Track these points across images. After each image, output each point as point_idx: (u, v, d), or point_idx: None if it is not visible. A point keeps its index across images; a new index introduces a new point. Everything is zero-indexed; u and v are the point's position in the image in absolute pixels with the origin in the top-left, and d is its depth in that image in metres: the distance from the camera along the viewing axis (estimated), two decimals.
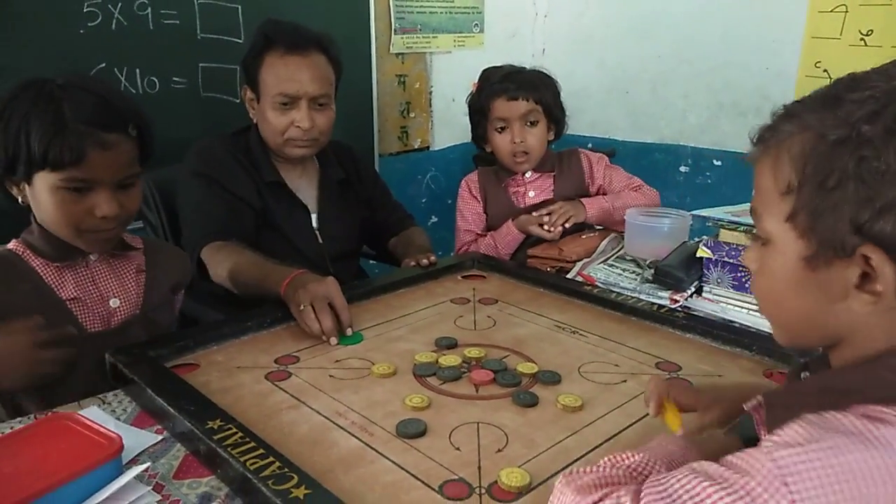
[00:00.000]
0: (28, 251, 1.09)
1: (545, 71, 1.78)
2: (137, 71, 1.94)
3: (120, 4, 1.87)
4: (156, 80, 1.99)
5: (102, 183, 1.04)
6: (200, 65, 2.08)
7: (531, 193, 1.80)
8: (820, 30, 2.39)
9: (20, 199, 1.07)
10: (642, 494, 0.54)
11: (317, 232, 1.62)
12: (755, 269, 0.63)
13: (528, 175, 1.79)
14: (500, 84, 1.71)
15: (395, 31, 2.55)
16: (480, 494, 0.78)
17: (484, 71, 1.82)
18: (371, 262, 1.98)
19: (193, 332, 1.17)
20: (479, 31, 2.86)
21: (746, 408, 0.67)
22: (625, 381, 1.04)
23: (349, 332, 1.17)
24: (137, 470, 0.78)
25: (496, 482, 0.79)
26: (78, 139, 0.99)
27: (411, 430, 0.89)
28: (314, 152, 1.60)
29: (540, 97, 1.71)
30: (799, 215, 0.55)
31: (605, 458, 0.66)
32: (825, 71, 2.39)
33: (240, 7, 2.13)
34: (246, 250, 1.39)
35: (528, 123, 1.71)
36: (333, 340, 1.14)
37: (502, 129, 1.73)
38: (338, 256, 1.63)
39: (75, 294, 1.11)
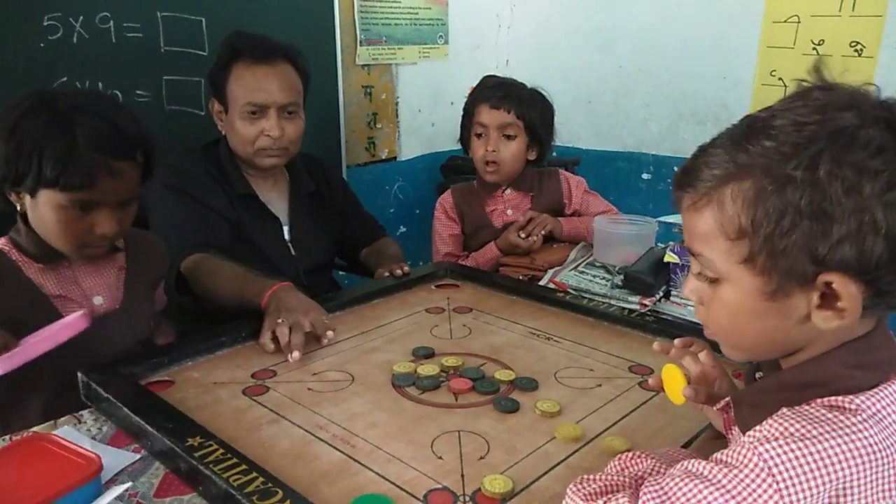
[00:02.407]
0: (14, 249, 1.11)
1: (543, 92, 1.79)
2: (100, 84, 1.91)
3: (81, 17, 1.84)
4: (119, 94, 1.96)
5: (107, 203, 1.07)
6: (164, 78, 2.06)
7: (509, 212, 1.81)
8: (774, 40, 2.47)
9: (18, 206, 1.08)
10: (641, 498, 0.57)
11: (289, 244, 1.62)
12: (699, 300, 0.66)
13: (507, 193, 1.81)
14: (488, 91, 1.74)
15: (360, 42, 2.56)
16: (465, 502, 0.78)
17: (484, 77, 1.85)
18: (341, 273, 1.97)
19: (167, 348, 1.16)
20: (444, 42, 2.88)
21: (716, 408, 0.71)
22: (600, 385, 1.06)
23: (325, 340, 1.16)
24: (118, 490, 0.77)
25: (480, 490, 0.80)
26: (90, 166, 1.02)
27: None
28: (284, 162, 1.59)
29: (523, 113, 1.72)
30: (757, 257, 0.58)
31: (614, 462, 0.69)
32: (780, 79, 2.48)
33: (204, 20, 2.10)
34: (226, 261, 1.39)
35: (505, 136, 1.73)
36: (296, 355, 1.10)
37: (480, 135, 1.75)
38: (311, 269, 1.63)
39: (60, 292, 1.12)
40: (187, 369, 1.11)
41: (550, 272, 1.57)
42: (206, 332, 1.21)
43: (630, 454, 0.70)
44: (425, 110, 2.89)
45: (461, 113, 1.84)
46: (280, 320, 1.15)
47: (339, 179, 1.84)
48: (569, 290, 1.45)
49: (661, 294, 1.40)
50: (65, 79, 1.83)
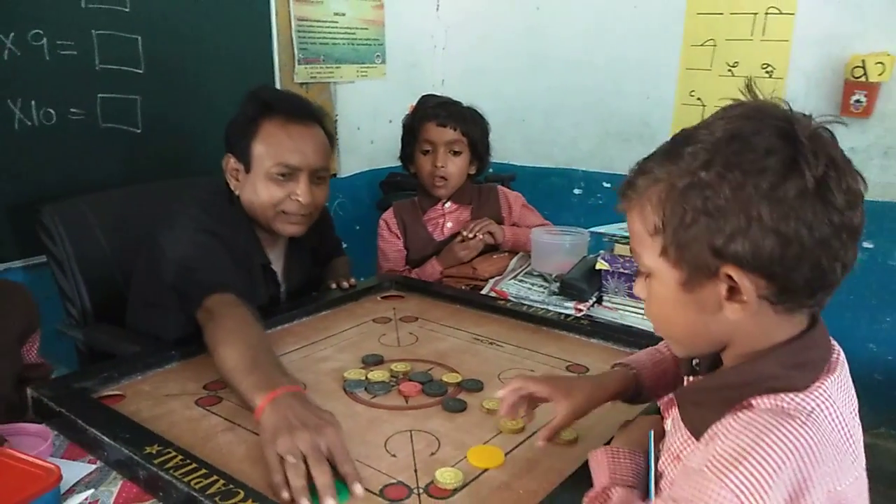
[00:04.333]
0: None
1: (479, 111, 1.88)
2: (33, 102, 1.88)
3: (12, 34, 1.81)
4: (52, 112, 1.93)
5: None
6: (99, 95, 2.04)
7: (449, 224, 1.88)
8: (693, 62, 2.64)
9: None
10: None
11: (283, 306, 1.49)
12: (644, 297, 0.73)
13: (447, 205, 1.88)
14: (433, 109, 1.81)
15: (298, 61, 2.59)
16: (419, 494, 0.83)
17: (423, 96, 1.92)
18: None
19: (117, 362, 1.16)
20: (381, 62, 2.94)
21: (659, 404, 0.78)
22: None
23: (358, 489, 0.83)
24: (78, 499, 0.79)
25: (432, 482, 0.85)
26: None
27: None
28: (305, 230, 1.41)
29: (467, 130, 1.81)
30: (669, 250, 0.65)
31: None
32: (699, 99, 2.64)
33: (140, 38, 2.10)
34: (253, 324, 1.13)
35: (452, 152, 1.80)
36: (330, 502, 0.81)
37: (427, 151, 1.81)
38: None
39: None
40: (137, 383, 1.12)
41: (491, 282, 1.64)
42: (155, 347, 1.21)
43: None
44: (364, 128, 2.94)
45: (401, 130, 1.91)
46: (291, 458, 0.84)
47: (330, 223, 1.72)
48: (509, 297, 1.52)
49: (595, 299, 1.49)
50: None
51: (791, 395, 0.62)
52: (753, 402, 0.62)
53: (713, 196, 0.61)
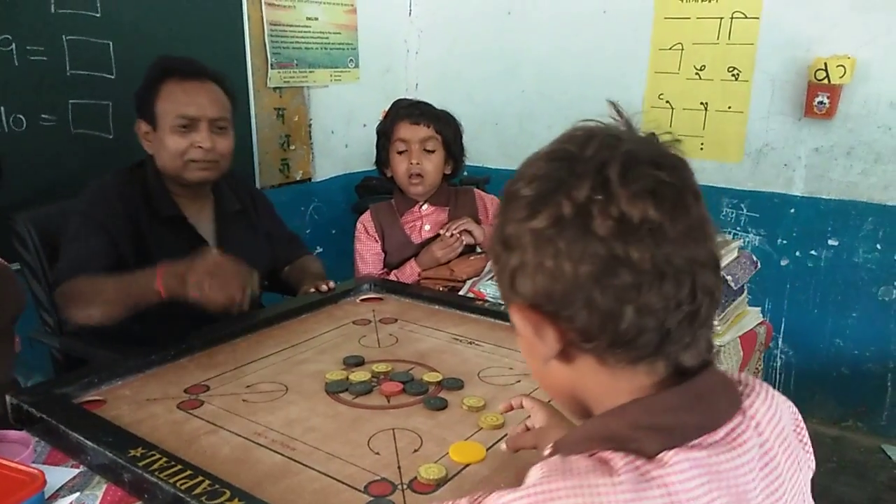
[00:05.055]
0: None
1: (452, 114, 1.91)
2: (2, 109, 1.86)
3: None
4: (22, 118, 1.91)
5: None
6: (70, 101, 2.02)
7: (426, 226, 1.89)
8: (661, 65, 2.70)
9: None
10: None
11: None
12: None
13: (424, 208, 1.90)
14: (405, 109, 1.84)
15: (271, 65, 2.59)
16: (403, 490, 0.85)
17: (396, 100, 1.95)
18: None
19: (97, 367, 1.16)
20: (355, 66, 2.95)
21: (545, 453, 0.69)
22: (519, 381, 1.15)
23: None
24: (64, 503, 0.79)
25: (416, 478, 0.87)
26: None
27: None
28: (216, 176, 1.56)
29: (440, 128, 1.83)
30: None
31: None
32: (667, 102, 2.70)
33: (111, 43, 2.09)
34: (97, 276, 1.35)
35: (426, 150, 1.82)
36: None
37: (402, 151, 1.83)
38: None
39: None
40: (118, 388, 1.11)
41: (469, 283, 1.67)
42: (134, 352, 1.21)
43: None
44: (338, 132, 2.95)
45: (375, 135, 1.92)
46: (206, 285, 1.21)
47: (264, 199, 1.82)
48: (487, 298, 1.55)
49: None
50: None
51: (632, 456, 0.52)
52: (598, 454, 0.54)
53: (499, 226, 0.57)
